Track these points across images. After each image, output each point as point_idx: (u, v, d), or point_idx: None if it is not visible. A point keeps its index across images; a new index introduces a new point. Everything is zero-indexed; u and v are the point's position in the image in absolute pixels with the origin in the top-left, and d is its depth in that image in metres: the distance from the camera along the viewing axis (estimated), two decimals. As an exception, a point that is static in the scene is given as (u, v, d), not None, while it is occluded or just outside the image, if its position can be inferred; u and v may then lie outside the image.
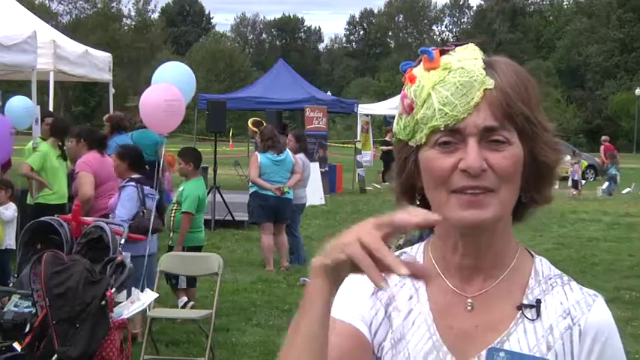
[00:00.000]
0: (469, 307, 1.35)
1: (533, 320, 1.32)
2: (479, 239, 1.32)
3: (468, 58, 1.30)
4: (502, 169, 1.26)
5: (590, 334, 1.31)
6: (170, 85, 7.79)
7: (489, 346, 1.31)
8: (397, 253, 1.45)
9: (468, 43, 1.33)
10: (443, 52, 1.31)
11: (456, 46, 1.33)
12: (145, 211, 6.71)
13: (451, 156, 1.27)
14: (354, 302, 1.39)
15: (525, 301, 1.33)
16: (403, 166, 1.36)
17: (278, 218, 10.18)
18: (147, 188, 6.90)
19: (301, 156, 10.85)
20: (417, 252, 1.44)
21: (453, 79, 1.28)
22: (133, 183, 6.82)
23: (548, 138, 1.32)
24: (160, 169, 9.71)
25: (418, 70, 1.32)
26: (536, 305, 1.32)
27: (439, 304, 1.36)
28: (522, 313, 1.33)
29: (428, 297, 1.38)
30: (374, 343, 1.38)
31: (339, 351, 1.34)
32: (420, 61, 1.33)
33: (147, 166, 9.82)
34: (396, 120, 1.36)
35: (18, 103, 9.70)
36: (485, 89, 1.27)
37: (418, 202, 1.37)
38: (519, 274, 1.36)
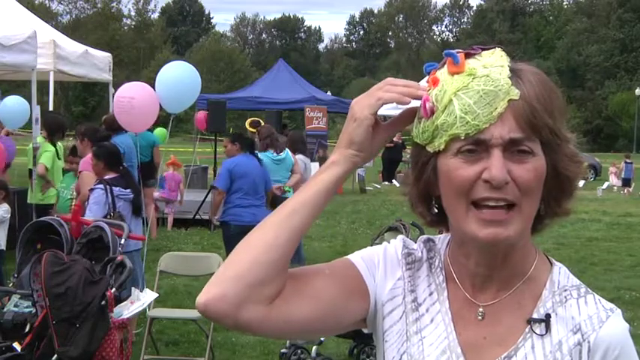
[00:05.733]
0: (480, 317, 1.33)
1: (542, 335, 1.30)
2: (496, 251, 1.30)
3: (495, 65, 1.27)
4: (525, 182, 1.24)
5: (600, 350, 1.28)
6: (138, 84, 7.76)
7: None
8: (425, 237, 1.44)
9: (494, 48, 1.30)
10: (468, 56, 1.29)
11: (483, 50, 1.30)
12: (112, 213, 6.55)
13: (474, 165, 1.25)
14: (377, 269, 1.40)
15: (535, 315, 1.31)
16: (421, 173, 1.33)
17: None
18: (117, 189, 6.67)
19: (301, 157, 10.79)
20: (442, 243, 1.43)
21: (477, 87, 1.25)
22: (102, 185, 6.64)
23: (569, 150, 1.30)
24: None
25: (442, 74, 1.29)
26: (546, 320, 1.30)
27: (453, 309, 1.36)
28: (531, 327, 1.31)
29: (448, 295, 1.37)
30: (384, 323, 1.38)
31: (332, 269, 1.38)
32: (445, 63, 1.30)
33: (139, 166, 9.91)
34: (414, 123, 1.33)
35: (11, 102, 9.72)
36: (510, 99, 1.24)
37: (436, 210, 1.35)
38: (534, 284, 1.34)
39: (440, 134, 1.27)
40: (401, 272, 1.39)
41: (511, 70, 1.27)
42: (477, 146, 1.24)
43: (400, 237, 1.44)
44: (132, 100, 7.50)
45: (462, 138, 1.24)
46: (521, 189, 1.24)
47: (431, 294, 1.37)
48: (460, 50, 1.30)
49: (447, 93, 1.27)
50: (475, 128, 1.24)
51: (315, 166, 13.87)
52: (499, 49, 1.30)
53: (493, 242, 1.26)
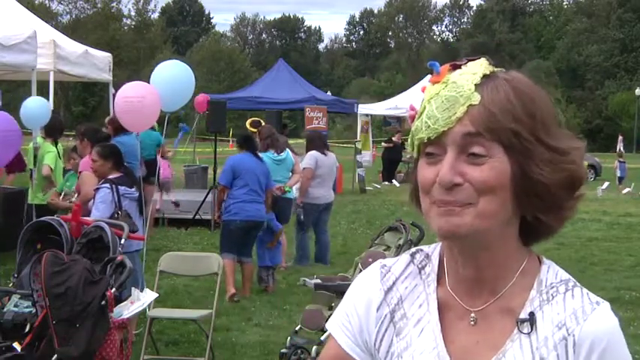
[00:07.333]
0: (472, 322, 1.35)
1: (528, 334, 1.31)
2: (472, 250, 1.31)
3: (468, 72, 1.29)
4: (479, 182, 1.25)
5: (585, 344, 1.28)
6: (141, 84, 7.75)
7: None
8: (413, 250, 1.46)
9: (480, 58, 1.32)
10: (456, 67, 1.31)
11: (469, 60, 1.32)
12: (119, 212, 6.55)
13: (433, 167, 1.29)
14: (358, 320, 1.43)
15: (522, 315, 1.32)
16: (411, 176, 1.39)
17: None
18: (123, 188, 6.68)
19: (314, 153, 10.65)
20: (432, 251, 1.44)
21: (443, 93, 1.29)
22: (108, 185, 6.65)
23: (549, 156, 1.27)
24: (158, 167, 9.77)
25: (428, 84, 1.34)
26: (530, 319, 1.31)
27: (446, 317, 1.37)
28: (518, 327, 1.32)
29: (438, 305, 1.38)
30: (379, 352, 1.40)
31: None
32: None
33: (144, 165, 9.94)
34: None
35: (34, 103, 9.70)
36: (470, 105, 1.26)
37: None
38: (523, 286, 1.34)
39: (414, 140, 1.33)
40: (379, 301, 1.42)
41: (484, 77, 1.28)
42: (436, 148, 1.28)
43: (377, 262, 1.47)
44: (143, 100, 7.54)
45: (426, 141, 1.29)
46: (477, 189, 1.25)
47: (420, 305, 1.39)
48: (449, 63, 1.34)
49: (423, 101, 1.32)
50: (434, 132, 1.27)
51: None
52: (484, 58, 1.32)
53: (449, 232, 1.27)
